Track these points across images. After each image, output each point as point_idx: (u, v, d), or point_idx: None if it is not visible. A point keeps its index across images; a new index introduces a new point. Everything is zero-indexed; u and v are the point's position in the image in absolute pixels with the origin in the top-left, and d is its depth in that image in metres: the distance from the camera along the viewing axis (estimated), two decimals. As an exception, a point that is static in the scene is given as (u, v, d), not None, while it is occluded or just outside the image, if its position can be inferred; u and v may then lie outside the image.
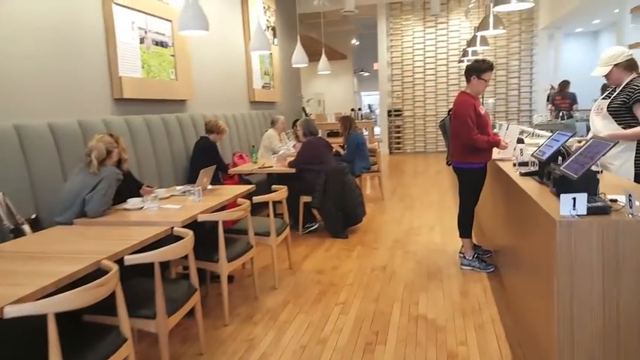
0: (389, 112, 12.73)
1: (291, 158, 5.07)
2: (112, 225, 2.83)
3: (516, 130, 3.84)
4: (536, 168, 2.87)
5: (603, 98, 3.23)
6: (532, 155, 2.85)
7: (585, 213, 1.96)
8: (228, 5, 6.69)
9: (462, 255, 3.94)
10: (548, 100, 9.81)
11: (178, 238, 2.51)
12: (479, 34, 6.39)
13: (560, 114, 8.10)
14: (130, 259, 2.15)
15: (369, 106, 19.69)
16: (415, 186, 7.67)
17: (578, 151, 2.22)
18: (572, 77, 9.31)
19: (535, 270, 2.41)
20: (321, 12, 10.11)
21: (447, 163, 3.96)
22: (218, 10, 6.31)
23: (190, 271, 2.58)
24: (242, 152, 6.26)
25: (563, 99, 8.48)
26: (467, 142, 3.55)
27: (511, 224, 3.17)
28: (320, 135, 5.18)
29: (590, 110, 9.45)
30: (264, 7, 7.86)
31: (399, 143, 12.99)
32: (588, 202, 1.96)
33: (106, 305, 1.93)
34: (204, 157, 4.72)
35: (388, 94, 12.72)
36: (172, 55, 5.15)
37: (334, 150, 6.93)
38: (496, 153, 3.74)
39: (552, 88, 9.73)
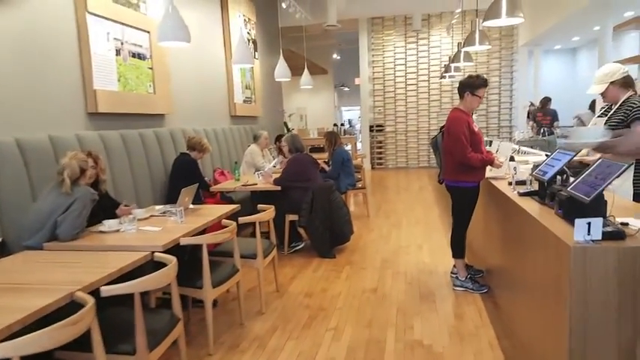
0: (371, 127, 12.68)
1: (277, 175, 4.90)
2: (87, 250, 2.62)
3: (509, 148, 3.76)
4: (536, 188, 2.77)
5: (599, 116, 3.17)
6: (532, 174, 2.75)
7: (600, 238, 1.85)
8: (207, 17, 6.54)
9: (454, 275, 3.81)
10: (528, 116, 9.89)
11: (159, 263, 2.32)
12: (464, 49, 6.34)
13: (542, 130, 8.13)
14: (108, 291, 1.95)
15: (349, 122, 19.68)
16: (400, 202, 7.57)
17: (586, 172, 2.12)
18: (552, 94, 9.41)
19: (540, 294, 2.29)
20: (303, 26, 10.03)
21: (439, 181, 3.84)
22: (197, 22, 6.15)
23: (173, 300, 2.38)
24: (223, 169, 6.07)
25: (544, 116, 8.54)
26: (460, 160, 3.45)
27: (508, 245, 3.06)
28: (306, 151, 5.03)
29: (570, 127, 9.54)
30: (244, 20, 7.73)
31: (380, 159, 12.94)
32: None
33: (80, 340, 1.73)
34: (184, 175, 4.52)
35: (370, 109, 12.69)
36: (150, 68, 4.95)
37: (319, 166, 6.80)
38: (489, 171, 3.65)
39: (532, 104, 9.82)
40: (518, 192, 2.84)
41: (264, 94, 8.85)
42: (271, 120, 9.30)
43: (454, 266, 3.86)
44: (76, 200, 2.71)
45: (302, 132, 11.17)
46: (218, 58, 6.83)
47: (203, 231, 3.18)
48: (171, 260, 2.27)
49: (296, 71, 8.92)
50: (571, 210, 2.07)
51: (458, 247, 3.70)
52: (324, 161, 6.54)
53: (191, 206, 3.70)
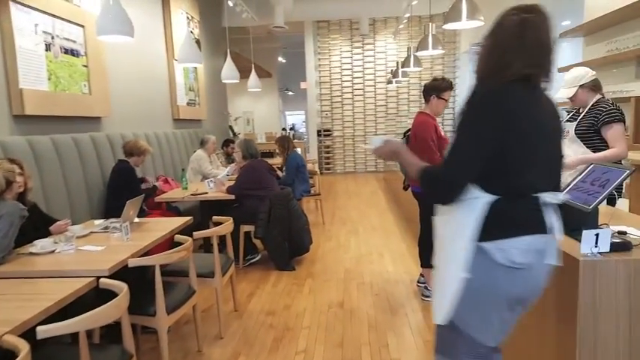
0: (318, 131, 12.51)
1: (231, 183, 4.56)
2: (16, 277, 2.19)
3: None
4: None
5: (567, 120, 3.11)
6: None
7: (608, 250, 1.71)
8: (147, 12, 6.09)
9: (421, 285, 3.65)
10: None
11: (103, 289, 1.97)
12: (418, 53, 6.30)
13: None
14: (46, 331, 1.58)
15: (293, 126, 19.46)
16: (353, 208, 7.40)
17: (578, 178, 1.99)
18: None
19: (537, 308, 2.13)
20: (249, 28, 9.70)
21: (404, 187, 3.67)
22: (137, 19, 5.65)
23: (124, 333, 2.02)
24: (167, 176, 5.63)
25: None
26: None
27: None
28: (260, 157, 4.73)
29: None
30: (187, 18, 7.31)
31: (328, 163, 12.78)
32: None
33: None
34: (121, 185, 4.11)
35: (317, 113, 12.51)
36: (85, 66, 4.48)
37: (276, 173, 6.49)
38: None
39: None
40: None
41: (209, 96, 8.44)
42: (216, 124, 8.89)
43: (421, 275, 3.70)
44: (1, 217, 2.28)
45: (249, 136, 10.80)
46: (160, 58, 6.39)
47: (153, 248, 2.83)
48: (122, 288, 1.92)
49: (241, 74, 8.58)
50: (568, 220, 1.93)
51: (426, 256, 3.53)
52: (277, 167, 6.26)
53: (136, 220, 3.31)
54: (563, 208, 1.58)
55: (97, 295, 2.05)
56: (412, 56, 7.24)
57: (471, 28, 3.88)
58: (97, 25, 3.53)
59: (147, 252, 2.68)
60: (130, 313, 2.29)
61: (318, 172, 6.87)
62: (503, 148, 1.41)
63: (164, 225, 3.15)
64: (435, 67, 12.06)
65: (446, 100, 3.40)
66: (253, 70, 8.27)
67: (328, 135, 12.60)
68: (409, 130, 3.58)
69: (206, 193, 4.51)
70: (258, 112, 14.73)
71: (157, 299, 2.41)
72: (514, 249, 1.41)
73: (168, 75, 6.66)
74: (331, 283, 3.97)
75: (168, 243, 3.00)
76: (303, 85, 13.24)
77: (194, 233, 2.94)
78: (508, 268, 1.42)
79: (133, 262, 2.37)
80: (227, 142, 7.29)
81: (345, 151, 12.69)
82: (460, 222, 1.46)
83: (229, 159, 7.14)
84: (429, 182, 1.56)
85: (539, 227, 1.47)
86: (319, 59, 12.39)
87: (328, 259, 4.65)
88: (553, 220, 1.49)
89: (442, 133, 3.40)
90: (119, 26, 3.53)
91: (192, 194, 4.58)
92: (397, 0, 9.77)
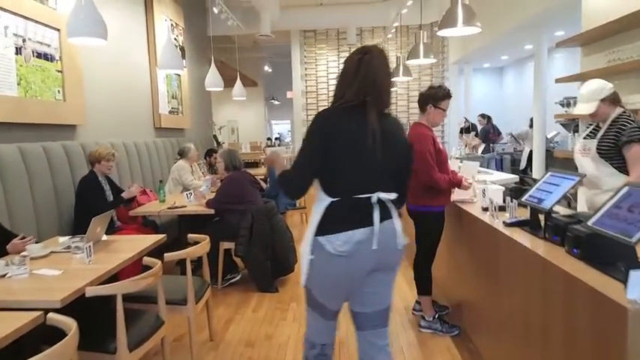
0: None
1: (211, 196, 4.26)
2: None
3: (474, 167, 3.41)
4: (523, 216, 2.41)
5: (586, 137, 2.85)
6: (523, 201, 2.37)
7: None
8: (130, 18, 5.80)
9: (417, 313, 3.39)
10: (461, 133, 9.90)
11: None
12: (408, 62, 6.12)
13: (488, 147, 8.09)
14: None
15: (280, 136, 19.19)
16: (340, 222, 7.12)
17: (610, 203, 1.73)
18: (480, 111, 9.48)
19: (564, 350, 1.86)
20: (235, 36, 9.46)
21: (398, 204, 3.41)
22: (118, 23, 5.41)
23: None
24: (146, 187, 5.31)
25: (494, 133, 8.55)
26: (426, 181, 3.04)
27: (491, 281, 2.66)
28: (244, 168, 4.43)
29: (506, 144, 9.48)
30: (171, 25, 7.03)
31: (314, 174, 12.51)
32: None
33: None
34: (84, 197, 3.82)
35: (303, 122, 12.25)
36: (59, 71, 4.18)
37: (259, 186, 6.20)
38: (453, 194, 3.29)
39: (467, 121, 9.84)
40: (504, 222, 2.46)
41: (193, 105, 8.14)
42: (200, 133, 8.58)
43: (417, 302, 3.44)
44: None
45: (234, 146, 10.51)
46: (141, 65, 6.09)
47: (122, 270, 2.52)
48: (70, 327, 1.62)
49: (226, 83, 8.32)
50: (599, 252, 1.67)
51: (424, 283, 3.27)
52: (262, 178, 5.98)
53: (104, 237, 3.00)
54: (593, 238, 1.61)
55: (44, 331, 1.76)
56: (401, 65, 7.04)
57: (462, 37, 3.68)
58: (67, 27, 3.24)
59: (114, 275, 2.39)
60: (86, 349, 2.00)
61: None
62: (329, 159, 1.83)
63: (134, 244, 2.85)
64: (422, 78, 11.91)
65: (444, 110, 3.17)
66: (238, 79, 8.01)
67: (315, 145, 12.33)
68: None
69: (184, 206, 4.20)
70: (243, 121, 14.43)
71: (118, 334, 2.10)
72: (338, 241, 1.81)
73: (151, 82, 6.37)
74: (317, 307, 3.68)
75: (138, 265, 2.71)
76: (289, 94, 12.99)
77: (165, 255, 2.64)
78: (334, 255, 1.82)
79: (91, 292, 2.07)
80: (210, 152, 6.98)
81: (331, 163, 12.43)
82: (312, 219, 1.91)
83: (212, 169, 6.84)
84: (283, 183, 1.97)
85: (364, 222, 1.83)
86: (306, 68, 12.17)
87: (314, 279, 4.36)
88: (376, 215, 1.84)
89: (440, 146, 3.16)
90: (91, 28, 3.25)
91: (169, 208, 4.28)
92: (385, 9, 9.61)
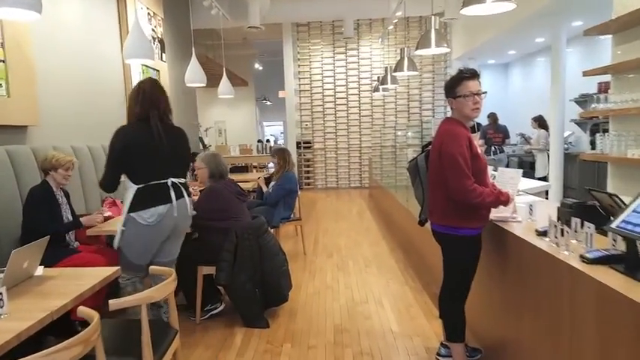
0: (298, 144, 11.53)
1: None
2: None
3: (516, 177, 2.69)
4: (616, 250, 1.71)
5: None
6: (615, 229, 1.66)
7: None
8: (97, 7, 5.06)
9: (442, 359, 2.68)
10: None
11: None
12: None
13: (492, 149, 7.39)
14: None
15: (275, 139, 18.45)
16: (340, 234, 6.40)
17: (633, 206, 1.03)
18: (486, 109, 8.77)
19: None
20: (221, 29, 8.72)
21: (420, 222, 2.70)
22: (81, 9, 4.67)
23: None
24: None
25: (495, 132, 7.84)
26: (457, 195, 2.33)
27: (555, 328, 1.95)
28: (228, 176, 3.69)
29: (516, 145, 8.73)
30: (148, 15, 6.30)
31: (309, 178, 11.80)
32: None
33: None
34: (35, 212, 3.10)
35: (297, 124, 11.54)
36: (1, 61, 3.45)
37: (256, 184, 5.45)
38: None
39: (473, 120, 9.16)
40: (583, 256, 1.75)
41: (175, 104, 7.31)
42: (183, 135, 7.83)
43: (443, 345, 2.72)
44: None
45: (221, 149, 9.78)
46: (112, 57, 5.34)
47: (50, 325, 1.80)
48: None
49: (214, 81, 7.60)
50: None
51: (455, 326, 2.54)
52: (266, 176, 5.25)
53: (39, 272, 2.27)
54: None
55: None
56: (406, 59, 6.34)
57: (467, 31, 3.01)
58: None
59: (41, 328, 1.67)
60: None
61: (299, 193, 5.86)
62: (130, 160, 2.67)
63: (77, 283, 2.11)
64: (424, 75, 11.24)
65: (469, 95, 2.42)
66: (225, 75, 7.27)
67: (308, 147, 11.64)
68: (430, 143, 2.63)
69: (154, 224, 3.45)
70: (233, 122, 13.67)
71: None
72: (146, 214, 2.66)
73: (124, 77, 5.63)
74: (317, 351, 2.95)
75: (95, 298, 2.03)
76: (281, 94, 12.27)
77: (110, 303, 1.90)
78: (144, 225, 2.67)
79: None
80: (193, 156, 6.22)
81: (326, 165, 11.73)
82: (125, 201, 2.73)
83: (194, 176, 6.10)
84: (102, 183, 2.82)
85: (164, 200, 2.71)
86: (299, 65, 11.46)
87: (312, 310, 3.63)
88: (172, 194, 2.73)
89: (479, 150, 2.44)
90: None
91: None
92: (384, 0, 8.90)
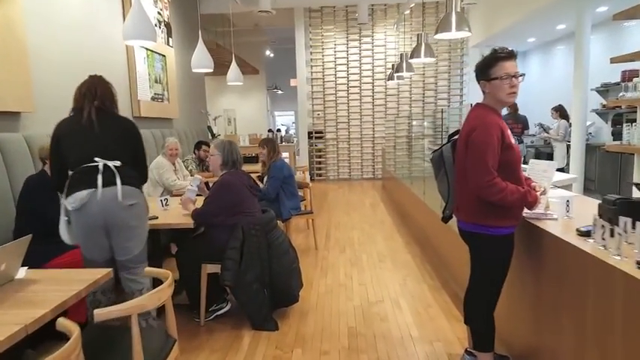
0: (309, 133, 11.25)
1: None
2: None
3: (550, 170, 2.40)
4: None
5: None
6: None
7: None
8: (100, -14, 4.83)
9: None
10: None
11: None
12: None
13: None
14: None
15: (287, 129, 18.17)
16: (352, 227, 6.14)
17: None
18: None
19: None
20: (231, 14, 8.45)
21: (444, 218, 2.43)
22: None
23: None
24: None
25: (515, 122, 7.50)
26: (475, 189, 2.08)
27: (605, 336, 1.69)
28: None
29: (534, 136, 8.38)
30: (155, -3, 6.05)
31: (320, 169, 11.53)
32: None
33: None
34: (36, 199, 2.89)
35: (308, 113, 11.25)
36: (-11, 42, 3.23)
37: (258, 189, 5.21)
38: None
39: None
40: (643, 262, 1.48)
41: (182, 91, 7.16)
42: (192, 124, 7.61)
43: (468, 353, 2.47)
44: None
45: (231, 138, 9.52)
46: (114, 41, 5.10)
47: (24, 340, 1.58)
48: None
49: (224, 69, 7.32)
50: None
51: (484, 334, 2.28)
52: (258, 176, 5.01)
53: (21, 274, 2.05)
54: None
55: None
56: (423, 44, 6.03)
57: (486, 17, 2.70)
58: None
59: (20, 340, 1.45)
60: None
61: (310, 184, 5.61)
62: (60, 151, 2.57)
63: (61, 288, 1.88)
64: (440, 64, 10.87)
65: (504, 78, 2.13)
66: (234, 61, 7.00)
67: (320, 137, 11.36)
68: (457, 132, 2.35)
69: (155, 217, 3.22)
70: (243, 111, 13.42)
71: None
72: (70, 199, 2.47)
73: (127, 62, 5.40)
74: (330, 357, 2.70)
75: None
76: (292, 82, 11.98)
77: (95, 313, 1.66)
78: (71, 211, 2.49)
79: None
80: (199, 145, 6.01)
81: (338, 156, 11.44)
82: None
83: (203, 166, 5.88)
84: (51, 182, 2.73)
85: (87, 184, 2.47)
86: (311, 52, 11.14)
87: (325, 311, 3.38)
88: (100, 180, 2.46)
89: (512, 140, 2.16)
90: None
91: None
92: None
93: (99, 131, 2.56)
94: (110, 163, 2.51)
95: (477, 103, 2.29)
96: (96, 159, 2.49)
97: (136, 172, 2.65)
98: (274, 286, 3.13)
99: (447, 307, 3.31)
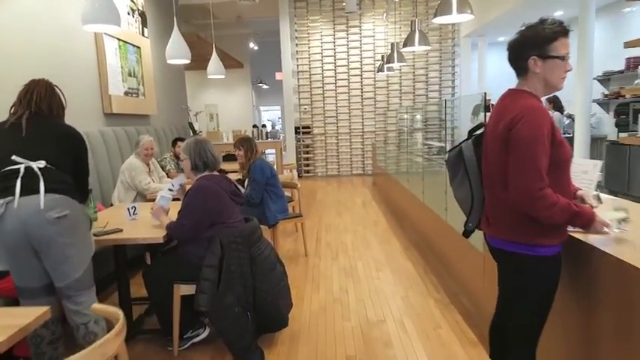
0: (296, 128, 10.80)
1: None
2: None
3: (594, 170, 1.99)
4: None
5: None
6: None
7: None
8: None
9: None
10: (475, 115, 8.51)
11: None
12: (404, 50, 4.97)
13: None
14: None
15: (272, 124, 17.67)
16: (345, 229, 5.72)
17: None
18: (498, 90, 8.00)
19: None
20: (210, 3, 7.94)
21: (466, 232, 1.99)
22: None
23: None
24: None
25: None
26: (518, 201, 1.65)
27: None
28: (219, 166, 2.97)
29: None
30: (127, -17, 5.54)
31: (308, 165, 11.09)
32: None
33: None
34: None
35: (295, 107, 10.79)
36: None
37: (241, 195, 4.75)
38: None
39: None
40: None
41: (161, 86, 6.66)
42: (171, 120, 7.11)
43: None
44: None
45: (213, 134, 9.03)
46: (82, 31, 4.58)
47: None
48: None
49: (205, 63, 6.81)
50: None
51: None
52: (238, 179, 4.55)
53: None
54: None
55: None
56: (417, 31, 5.60)
57: (479, 5, 2.28)
58: None
59: None
60: None
61: (298, 185, 5.17)
62: None
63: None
64: (430, 54, 10.46)
65: (562, 58, 1.71)
66: (214, 53, 6.51)
67: (308, 133, 10.91)
68: (481, 125, 1.93)
69: (119, 230, 2.76)
70: (227, 107, 12.90)
71: None
72: None
73: (97, 54, 4.90)
74: (327, 396, 2.29)
75: None
76: (278, 75, 11.50)
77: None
78: None
79: None
80: (176, 141, 5.55)
81: (327, 152, 11.02)
82: None
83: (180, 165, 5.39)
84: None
85: (4, 193, 2.02)
86: (297, 44, 10.68)
87: (319, 334, 2.95)
88: (19, 187, 2.01)
89: (561, 136, 1.73)
90: None
91: (102, 229, 2.83)
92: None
93: (26, 134, 2.16)
94: (34, 165, 2.07)
95: (511, 89, 1.86)
96: (15, 158, 2.06)
97: (69, 178, 2.20)
98: (259, 309, 2.68)
99: (459, 329, 2.90)
